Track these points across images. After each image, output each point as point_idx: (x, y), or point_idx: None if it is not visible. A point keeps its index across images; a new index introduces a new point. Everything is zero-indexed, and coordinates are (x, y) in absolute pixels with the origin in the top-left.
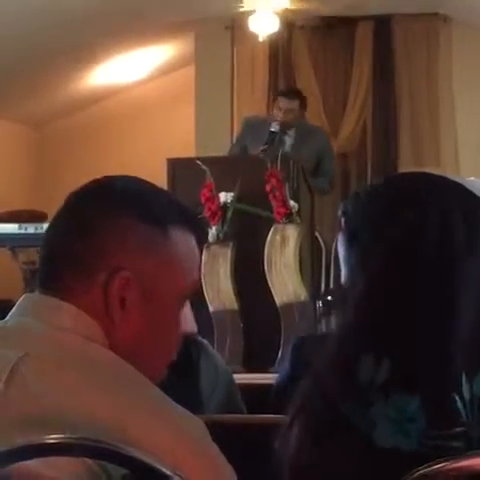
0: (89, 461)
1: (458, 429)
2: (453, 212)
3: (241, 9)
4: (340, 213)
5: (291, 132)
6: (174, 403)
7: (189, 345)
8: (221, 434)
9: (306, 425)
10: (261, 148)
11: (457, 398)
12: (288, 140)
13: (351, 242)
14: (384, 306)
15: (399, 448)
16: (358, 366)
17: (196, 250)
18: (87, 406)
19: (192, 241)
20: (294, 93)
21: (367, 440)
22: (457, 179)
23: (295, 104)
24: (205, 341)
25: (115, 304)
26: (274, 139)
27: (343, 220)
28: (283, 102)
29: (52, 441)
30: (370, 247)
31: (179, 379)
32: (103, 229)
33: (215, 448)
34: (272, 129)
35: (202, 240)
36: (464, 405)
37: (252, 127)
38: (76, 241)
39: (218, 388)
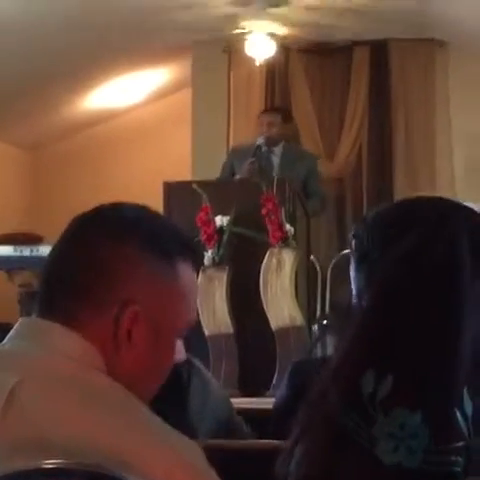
0: None
1: (459, 444)
2: (461, 233)
3: (238, 32)
4: (350, 236)
5: (277, 150)
6: (170, 428)
7: (180, 369)
8: (219, 460)
9: (312, 444)
10: (249, 162)
11: (458, 413)
12: (275, 160)
13: (360, 263)
14: (389, 322)
15: (402, 464)
16: (361, 382)
17: (197, 283)
18: (84, 432)
19: (194, 274)
20: (274, 108)
21: (370, 456)
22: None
23: (277, 117)
24: (198, 363)
25: (123, 336)
26: (261, 153)
27: (353, 242)
28: (264, 117)
29: (50, 466)
30: (377, 265)
31: (168, 403)
32: (111, 258)
33: (212, 473)
34: (257, 143)
35: (198, 271)
36: (465, 420)
37: (238, 154)
38: (82, 269)
39: (207, 413)
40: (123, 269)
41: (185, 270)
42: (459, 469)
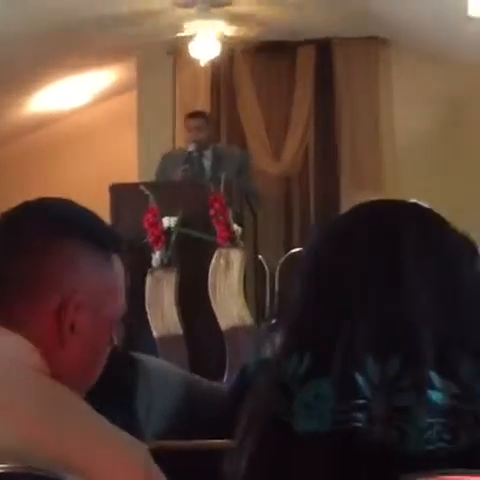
0: None
1: (359, 401)
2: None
3: (182, 34)
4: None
5: (207, 154)
6: (114, 427)
7: (123, 366)
8: (165, 460)
9: (254, 437)
10: (181, 169)
11: (359, 376)
12: (206, 162)
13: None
14: (310, 306)
15: (318, 431)
16: (287, 366)
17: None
18: (31, 435)
19: (123, 268)
20: (199, 112)
21: (291, 431)
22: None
23: (201, 121)
24: (142, 358)
25: (68, 328)
26: (193, 159)
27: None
28: (191, 122)
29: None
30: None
31: (113, 407)
32: (50, 252)
33: (156, 471)
34: (189, 149)
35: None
36: (367, 383)
37: (170, 160)
38: (20, 266)
39: (153, 415)
40: (63, 262)
41: (117, 261)
42: (360, 425)
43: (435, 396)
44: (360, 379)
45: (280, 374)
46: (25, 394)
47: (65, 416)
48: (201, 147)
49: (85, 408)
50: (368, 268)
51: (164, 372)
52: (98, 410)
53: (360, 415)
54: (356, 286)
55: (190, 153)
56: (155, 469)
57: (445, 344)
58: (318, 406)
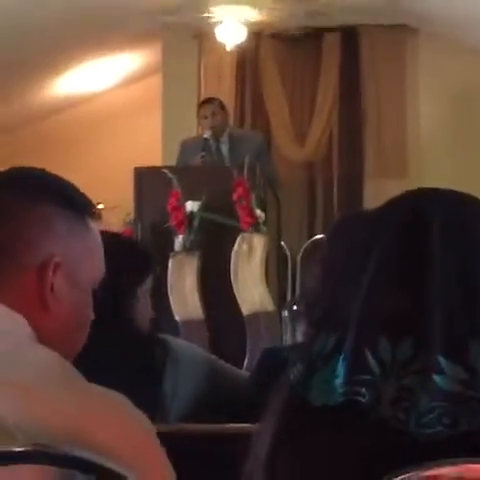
0: (52, 469)
1: (365, 377)
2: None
3: (209, 18)
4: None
5: (224, 139)
6: (117, 398)
7: (153, 345)
8: (189, 444)
9: (277, 416)
10: (200, 155)
11: (369, 355)
12: (224, 148)
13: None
14: (333, 290)
15: (327, 404)
16: (314, 342)
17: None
18: (34, 412)
19: (98, 231)
20: (210, 99)
21: (306, 404)
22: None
23: (215, 107)
24: (171, 339)
25: (49, 291)
26: (210, 146)
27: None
28: (205, 108)
29: (15, 450)
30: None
31: (141, 381)
32: (26, 216)
33: (158, 448)
34: (205, 136)
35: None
36: (377, 362)
37: (188, 147)
38: (0, 232)
39: (180, 389)
40: (40, 225)
41: (94, 227)
42: (363, 400)
43: (440, 380)
44: (370, 357)
45: (306, 354)
46: (23, 368)
47: (64, 388)
48: (217, 133)
49: (80, 377)
50: (388, 252)
51: (191, 354)
52: (125, 387)
53: (366, 391)
54: (376, 269)
55: (206, 140)
56: (155, 441)
57: (458, 329)
58: (332, 381)
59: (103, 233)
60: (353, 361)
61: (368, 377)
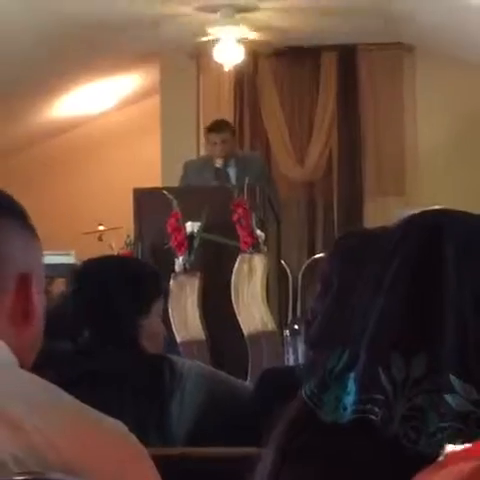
0: None
1: (376, 396)
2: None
3: (206, 39)
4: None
5: (231, 162)
6: (111, 425)
7: (162, 366)
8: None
9: (285, 429)
10: (213, 185)
11: (381, 371)
12: (231, 171)
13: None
14: (346, 307)
15: (337, 421)
16: (328, 360)
17: None
18: (30, 443)
19: None
20: (222, 125)
21: (316, 420)
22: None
23: (227, 134)
24: (178, 361)
25: (31, 303)
26: (221, 175)
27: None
28: (216, 136)
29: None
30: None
31: (148, 403)
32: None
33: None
34: (217, 165)
35: None
36: (389, 380)
37: (194, 169)
38: None
39: (185, 416)
40: (14, 245)
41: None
42: (374, 417)
43: (452, 400)
44: (383, 375)
45: (318, 367)
46: (12, 398)
47: (55, 415)
48: (226, 161)
49: (71, 402)
50: (403, 274)
51: (196, 374)
52: (132, 409)
53: (378, 409)
54: (390, 288)
55: (218, 169)
56: (154, 468)
57: (471, 349)
58: (343, 398)
59: (113, 257)
60: (365, 379)
61: (380, 396)
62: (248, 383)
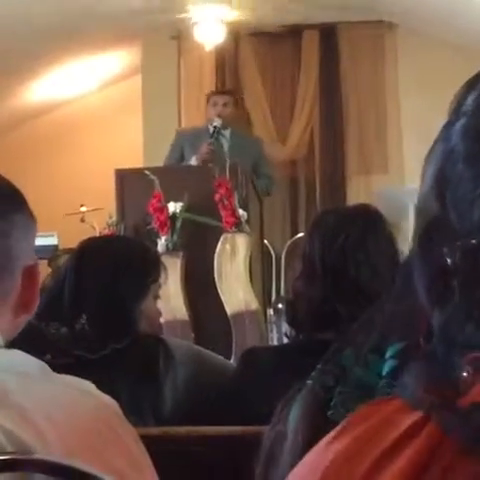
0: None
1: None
2: None
3: (187, 18)
4: None
5: (226, 134)
6: (105, 409)
7: (157, 348)
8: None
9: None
10: (208, 142)
11: (348, 350)
12: (225, 144)
13: None
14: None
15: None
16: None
17: None
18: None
19: None
20: (227, 90)
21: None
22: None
23: (229, 98)
24: (170, 342)
25: (37, 291)
26: (219, 134)
27: None
28: (218, 98)
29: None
30: None
31: (144, 384)
32: (10, 233)
33: (148, 460)
34: (215, 124)
35: None
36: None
37: (188, 137)
38: None
39: (179, 396)
40: (19, 236)
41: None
42: (312, 383)
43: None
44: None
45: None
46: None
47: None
48: (224, 124)
49: (66, 382)
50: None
51: (187, 354)
52: (128, 389)
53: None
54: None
55: (215, 128)
56: (145, 452)
57: None
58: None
59: (117, 238)
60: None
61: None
62: (231, 362)
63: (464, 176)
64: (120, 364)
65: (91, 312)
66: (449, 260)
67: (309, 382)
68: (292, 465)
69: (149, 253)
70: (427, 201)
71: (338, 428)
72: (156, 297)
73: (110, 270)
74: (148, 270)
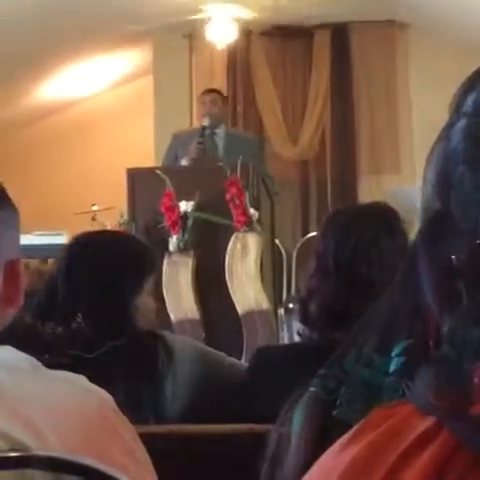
0: (35, 474)
1: (338, 373)
2: None
3: (199, 17)
4: None
5: (220, 132)
6: (102, 404)
7: (155, 343)
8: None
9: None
10: (196, 142)
11: (350, 353)
12: (219, 142)
13: None
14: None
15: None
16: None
17: None
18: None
19: None
20: (213, 89)
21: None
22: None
23: (216, 96)
24: (169, 338)
25: (23, 284)
26: (208, 134)
27: None
28: (206, 96)
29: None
30: None
31: (143, 382)
32: None
33: (146, 456)
34: (203, 123)
35: None
36: (355, 359)
37: (181, 138)
38: None
39: (179, 393)
40: (2, 232)
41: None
42: (314, 389)
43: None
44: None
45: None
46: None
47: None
48: (214, 122)
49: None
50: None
51: (188, 350)
52: (128, 387)
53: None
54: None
55: (204, 127)
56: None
57: None
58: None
59: (108, 233)
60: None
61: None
62: (242, 361)
63: (466, 177)
64: (118, 362)
65: (86, 310)
66: (454, 257)
67: (312, 389)
68: (296, 466)
69: (141, 247)
70: (430, 200)
71: (351, 432)
72: (151, 292)
73: (102, 266)
74: (141, 265)
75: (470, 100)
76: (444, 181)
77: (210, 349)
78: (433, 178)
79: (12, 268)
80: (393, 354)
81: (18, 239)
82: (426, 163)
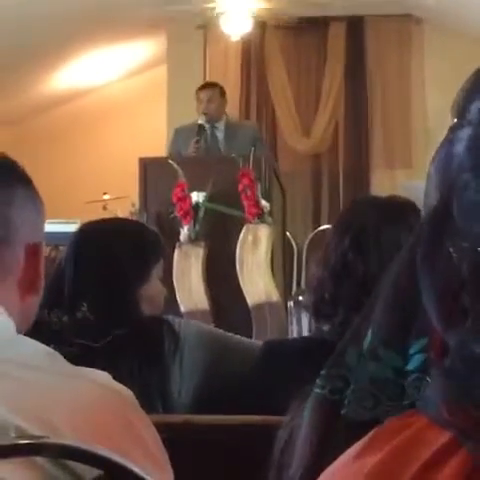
0: (45, 465)
1: (342, 371)
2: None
3: (214, 8)
4: None
5: (220, 125)
6: (119, 397)
7: (160, 329)
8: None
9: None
10: (194, 140)
11: (351, 350)
12: (219, 135)
13: None
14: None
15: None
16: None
17: None
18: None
19: None
20: (209, 84)
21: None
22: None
23: (212, 92)
24: (177, 324)
25: (42, 270)
26: (205, 132)
27: None
28: (202, 93)
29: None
30: None
31: (148, 367)
32: (11, 203)
33: (162, 449)
34: (199, 121)
35: None
36: (358, 355)
37: (182, 134)
38: None
39: (186, 382)
40: (27, 215)
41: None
42: (319, 391)
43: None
44: (352, 353)
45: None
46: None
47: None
48: (212, 119)
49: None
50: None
51: (196, 336)
52: (134, 375)
53: (340, 384)
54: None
55: (201, 126)
56: (159, 440)
57: None
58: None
59: (113, 219)
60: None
61: (343, 372)
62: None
63: (470, 185)
64: (124, 350)
65: (91, 299)
66: (455, 256)
67: (317, 390)
68: (301, 467)
69: (149, 234)
70: (432, 198)
71: (365, 440)
72: (160, 277)
73: (106, 254)
74: (147, 252)
75: (475, 108)
76: (449, 186)
77: (219, 332)
78: (438, 182)
79: (34, 252)
80: (411, 351)
81: (41, 224)
82: (431, 166)
